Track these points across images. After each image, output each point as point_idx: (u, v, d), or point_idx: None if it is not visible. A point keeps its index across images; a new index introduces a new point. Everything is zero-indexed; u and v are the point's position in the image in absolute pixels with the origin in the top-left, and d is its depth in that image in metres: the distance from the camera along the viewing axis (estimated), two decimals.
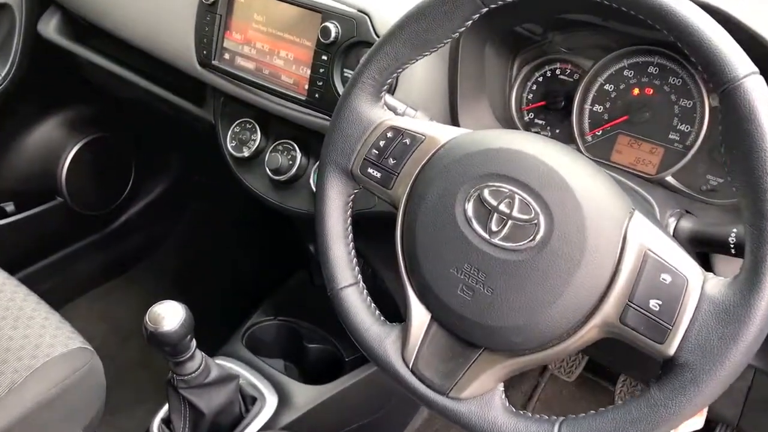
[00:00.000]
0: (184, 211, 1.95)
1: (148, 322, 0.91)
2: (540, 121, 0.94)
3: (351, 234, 0.78)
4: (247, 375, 1.14)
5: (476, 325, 0.66)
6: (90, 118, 1.68)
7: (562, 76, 0.91)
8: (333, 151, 0.76)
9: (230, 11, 1.07)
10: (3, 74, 1.45)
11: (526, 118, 0.95)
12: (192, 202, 1.95)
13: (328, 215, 0.77)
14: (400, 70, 0.74)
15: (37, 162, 1.63)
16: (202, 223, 1.94)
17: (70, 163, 1.66)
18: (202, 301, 1.77)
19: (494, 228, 0.64)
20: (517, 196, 0.64)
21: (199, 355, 0.99)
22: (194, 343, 0.97)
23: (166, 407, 1.12)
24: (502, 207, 0.64)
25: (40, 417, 0.98)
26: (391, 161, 0.73)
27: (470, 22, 0.69)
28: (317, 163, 1.04)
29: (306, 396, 1.13)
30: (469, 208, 0.66)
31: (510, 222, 0.64)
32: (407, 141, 0.73)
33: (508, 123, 0.94)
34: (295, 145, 1.07)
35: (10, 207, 1.63)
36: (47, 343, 1.06)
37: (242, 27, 1.06)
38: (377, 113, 0.75)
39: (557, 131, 0.92)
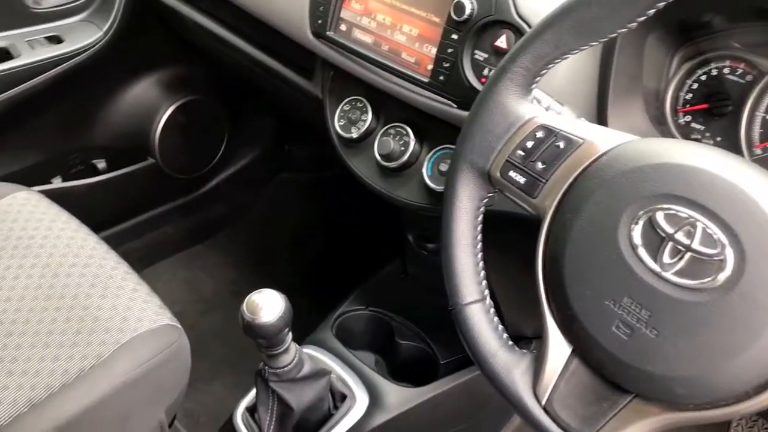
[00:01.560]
0: (272, 182, 1.90)
1: (246, 311, 0.85)
2: (698, 126, 0.82)
3: (480, 243, 0.69)
4: (337, 369, 1.07)
5: (631, 369, 0.56)
6: (186, 79, 1.63)
7: (731, 76, 0.79)
8: (469, 148, 0.67)
9: None
10: (104, 30, 1.41)
11: (682, 121, 0.83)
12: (281, 173, 1.90)
13: (457, 219, 0.68)
14: (557, 61, 0.64)
15: (131, 121, 1.60)
16: (290, 196, 1.89)
17: (164, 124, 1.62)
18: (286, 279, 1.74)
19: (667, 260, 0.54)
20: (699, 224, 0.53)
21: (294, 348, 0.93)
22: (290, 336, 0.90)
23: (250, 395, 1.07)
24: (680, 236, 0.54)
25: (125, 395, 0.94)
26: (540, 166, 0.63)
27: (653, 10, 0.58)
28: (432, 151, 0.96)
29: (398, 397, 1.06)
30: (637, 232, 0.56)
31: (688, 255, 0.53)
32: (561, 144, 0.63)
33: (659, 125, 0.83)
34: (409, 130, 0.98)
35: (101, 164, 1.61)
36: (135, 316, 1.02)
37: None
38: (526, 108, 0.66)
39: (719, 139, 0.80)
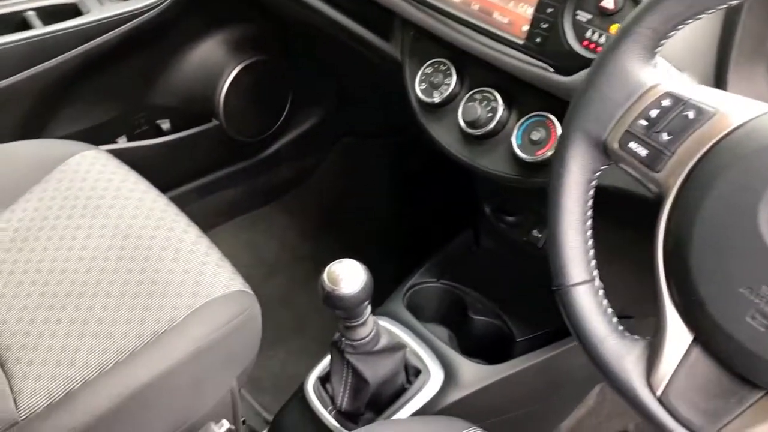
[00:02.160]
0: (335, 147, 1.86)
1: (326, 281, 0.82)
2: None
3: (590, 220, 0.64)
4: (412, 343, 1.04)
5: (766, 364, 0.51)
6: (252, 39, 1.59)
7: None
8: (584, 116, 0.62)
9: None
10: None
11: None
12: (344, 137, 1.85)
13: (566, 193, 0.63)
14: (689, 22, 0.58)
15: (196, 81, 1.57)
16: (354, 161, 1.85)
17: (229, 85, 1.59)
18: (350, 245, 1.71)
19: None
20: None
21: (372, 321, 0.89)
22: (369, 309, 0.87)
23: (321, 365, 1.04)
24: None
25: (199, 362, 0.92)
26: (665, 137, 0.58)
27: None
28: (523, 119, 0.90)
29: (473, 375, 1.02)
30: None
31: None
32: (690, 114, 0.57)
33: None
34: (497, 96, 0.92)
35: (166, 125, 1.59)
36: (208, 281, 1.00)
37: None
38: (650, 74, 0.60)
39: None
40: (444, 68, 0.98)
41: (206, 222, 1.73)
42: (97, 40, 1.33)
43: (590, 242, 0.63)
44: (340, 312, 0.85)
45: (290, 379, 1.45)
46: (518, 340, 1.08)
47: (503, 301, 1.12)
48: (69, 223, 1.10)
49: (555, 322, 1.11)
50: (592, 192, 0.64)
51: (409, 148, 1.69)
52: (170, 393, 0.91)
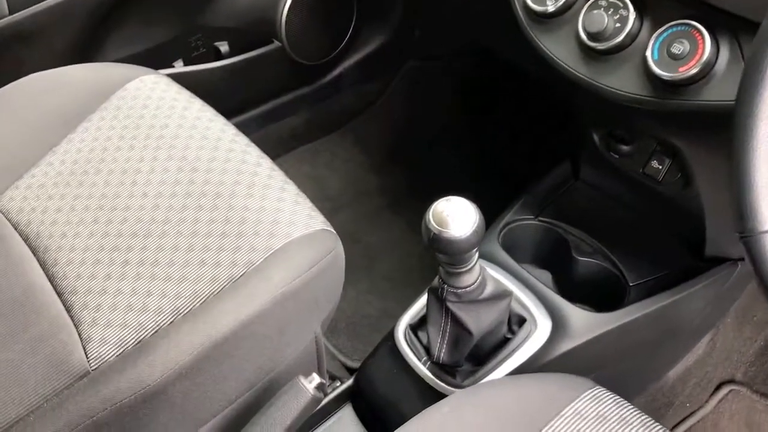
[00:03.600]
0: (400, 72, 1.72)
1: (432, 222, 0.71)
2: None
3: None
4: (514, 289, 0.93)
5: None
6: None
7: None
8: None
9: None
10: None
11: None
12: (409, 61, 1.71)
13: (759, 118, 0.50)
14: None
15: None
16: (422, 87, 1.71)
17: (291, 2, 1.45)
18: (422, 180, 1.59)
19: None
20: None
21: (478, 267, 0.78)
22: (478, 254, 0.76)
23: (412, 311, 0.94)
24: None
25: (283, 307, 0.83)
26: None
27: None
28: (661, 29, 0.76)
29: (583, 323, 0.91)
30: None
31: None
32: None
33: None
34: (627, 1, 0.78)
35: (224, 47, 1.47)
36: (287, 219, 0.90)
37: None
38: None
39: None
40: None
41: (267, 152, 1.63)
42: None
43: None
44: (442, 257, 0.75)
45: (364, 320, 1.37)
46: (631, 284, 0.97)
47: (612, 241, 1.00)
48: (131, 155, 1.00)
49: (671, 264, 0.99)
50: None
51: (487, 70, 1.54)
52: (253, 343, 0.83)
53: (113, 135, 1.03)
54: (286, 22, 1.45)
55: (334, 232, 0.92)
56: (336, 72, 1.65)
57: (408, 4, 1.65)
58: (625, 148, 0.96)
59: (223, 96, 1.48)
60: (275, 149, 1.64)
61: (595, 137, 0.99)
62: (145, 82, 1.10)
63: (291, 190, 0.95)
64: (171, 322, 0.81)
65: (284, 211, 0.91)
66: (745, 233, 0.51)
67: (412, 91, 1.74)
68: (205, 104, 1.09)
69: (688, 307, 0.96)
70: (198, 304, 0.82)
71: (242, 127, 1.55)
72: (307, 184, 1.60)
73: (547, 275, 1.03)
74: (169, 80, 1.13)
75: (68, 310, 0.84)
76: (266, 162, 0.99)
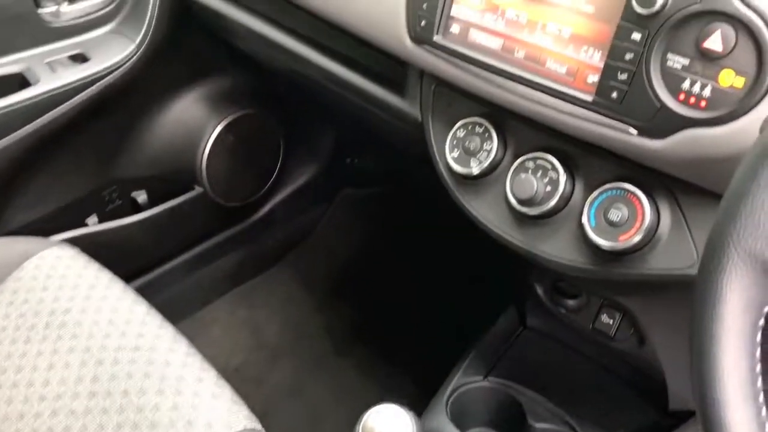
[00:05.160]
0: (334, 201, 1.65)
1: None
2: None
3: (760, 378, 0.43)
4: None
5: None
6: (236, 92, 1.40)
7: None
8: (748, 230, 0.41)
9: None
10: (137, 42, 1.18)
11: None
12: (344, 189, 1.65)
13: (725, 340, 0.43)
14: None
15: (174, 144, 1.37)
16: (357, 216, 1.64)
17: (212, 145, 1.39)
18: (361, 318, 1.50)
19: None
20: None
21: None
22: None
23: None
24: None
25: None
26: None
27: None
28: (595, 193, 0.70)
29: None
30: None
31: None
32: None
33: None
34: (556, 163, 0.72)
35: (142, 197, 1.38)
36: (203, 420, 0.79)
37: None
38: None
39: None
40: (480, 130, 0.78)
41: (198, 300, 1.53)
42: (51, 113, 1.12)
43: (765, 412, 0.43)
44: None
45: None
46: None
47: (569, 400, 0.92)
48: (27, 350, 0.89)
49: (634, 421, 0.91)
50: (759, 336, 0.43)
51: (427, 197, 1.48)
52: None
53: (8, 326, 0.93)
54: (207, 166, 1.38)
55: (261, 428, 0.81)
56: (266, 208, 1.58)
57: (340, 134, 1.60)
58: (571, 302, 0.89)
59: (145, 250, 1.39)
60: (206, 295, 1.54)
61: (539, 290, 0.92)
62: (46, 258, 1.00)
63: (209, 379, 0.85)
64: None
65: (200, 410, 0.80)
66: None
67: (349, 220, 1.67)
68: (114, 278, 1.00)
69: None
70: None
71: (168, 277, 1.46)
72: (242, 332, 1.50)
73: None
74: (74, 252, 1.03)
75: None
76: (181, 346, 0.89)
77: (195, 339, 1.45)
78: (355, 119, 1.14)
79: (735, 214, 0.42)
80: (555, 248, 0.73)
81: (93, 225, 1.31)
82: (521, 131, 0.76)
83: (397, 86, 0.90)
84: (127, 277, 1.36)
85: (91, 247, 1.27)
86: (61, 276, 0.98)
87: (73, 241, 1.25)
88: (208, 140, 1.38)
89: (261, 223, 1.58)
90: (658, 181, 0.68)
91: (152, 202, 1.38)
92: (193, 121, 1.37)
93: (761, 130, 0.46)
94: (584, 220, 0.69)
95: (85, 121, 1.19)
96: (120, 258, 1.35)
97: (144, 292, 1.41)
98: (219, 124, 1.38)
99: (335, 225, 1.66)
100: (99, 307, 0.93)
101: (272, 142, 1.50)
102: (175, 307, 1.48)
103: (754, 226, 0.41)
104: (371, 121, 1.01)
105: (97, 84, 1.15)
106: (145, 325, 0.91)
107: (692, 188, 0.66)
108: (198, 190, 1.40)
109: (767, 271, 0.41)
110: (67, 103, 1.13)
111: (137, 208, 1.37)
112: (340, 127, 1.54)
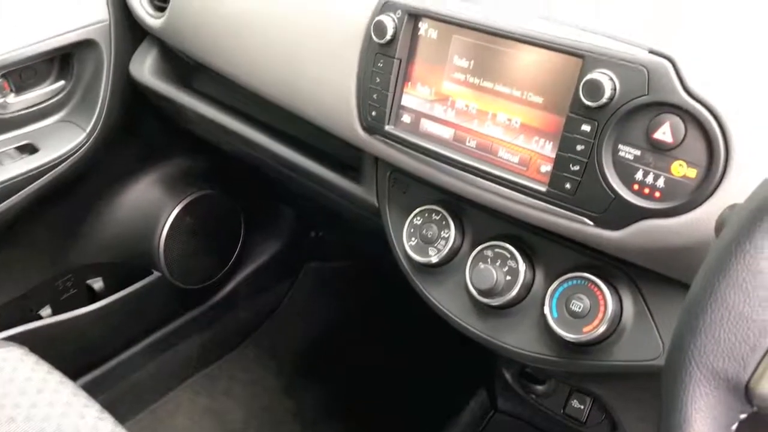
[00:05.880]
0: (299, 276, 1.62)
1: None
2: None
3: None
4: None
5: None
6: (191, 173, 1.37)
7: None
8: (709, 348, 0.40)
9: (413, 54, 0.72)
10: (87, 131, 1.15)
11: None
12: (308, 263, 1.62)
13: None
14: None
15: (129, 229, 1.33)
16: (323, 290, 1.61)
17: (169, 228, 1.35)
18: (329, 403, 1.45)
19: None
20: None
21: None
22: None
23: None
24: None
25: None
26: None
27: None
28: (556, 282, 0.68)
29: None
30: None
31: None
32: None
33: None
34: (515, 252, 0.71)
35: (98, 284, 1.33)
36: None
37: (433, 77, 0.71)
38: None
39: None
40: (437, 217, 0.76)
41: (159, 387, 1.47)
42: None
43: None
44: None
45: None
46: None
47: None
48: None
49: None
50: None
51: (394, 271, 1.46)
52: None
53: None
54: (164, 250, 1.35)
55: None
56: (228, 288, 1.54)
57: (301, 210, 1.58)
58: (540, 388, 0.86)
59: (102, 340, 1.34)
60: (168, 383, 1.48)
61: (507, 375, 0.89)
62: None
63: None
64: None
65: None
66: None
67: (315, 296, 1.64)
68: (64, 378, 0.95)
69: None
70: None
71: (127, 365, 1.40)
72: (204, 422, 1.43)
73: None
74: (22, 353, 0.98)
75: None
76: None
77: (158, 430, 1.40)
78: (314, 200, 1.12)
79: (694, 329, 0.40)
80: (518, 340, 0.71)
81: (47, 317, 1.26)
82: (478, 219, 0.75)
83: (352, 172, 0.89)
84: (84, 369, 1.32)
85: (45, 341, 1.23)
86: (7, 380, 0.93)
87: (25, 336, 1.20)
88: (165, 223, 1.34)
89: (223, 303, 1.53)
90: (620, 269, 0.66)
91: (109, 289, 1.33)
92: (149, 204, 1.34)
93: (716, 230, 0.45)
94: (546, 311, 0.67)
95: (37, 211, 1.16)
96: (76, 351, 1.30)
97: (102, 383, 1.37)
98: (176, 205, 1.35)
99: (301, 301, 1.62)
100: (47, 415, 0.88)
101: (232, 220, 1.48)
102: (135, 396, 1.42)
103: (714, 342, 0.39)
104: (330, 201, 0.99)
105: (48, 175, 1.12)
106: (96, 430, 0.86)
107: (654, 276, 0.64)
108: (156, 274, 1.36)
109: (732, 389, 0.39)
110: (16, 195, 1.10)
111: (93, 296, 1.32)
112: (301, 206, 1.52)
